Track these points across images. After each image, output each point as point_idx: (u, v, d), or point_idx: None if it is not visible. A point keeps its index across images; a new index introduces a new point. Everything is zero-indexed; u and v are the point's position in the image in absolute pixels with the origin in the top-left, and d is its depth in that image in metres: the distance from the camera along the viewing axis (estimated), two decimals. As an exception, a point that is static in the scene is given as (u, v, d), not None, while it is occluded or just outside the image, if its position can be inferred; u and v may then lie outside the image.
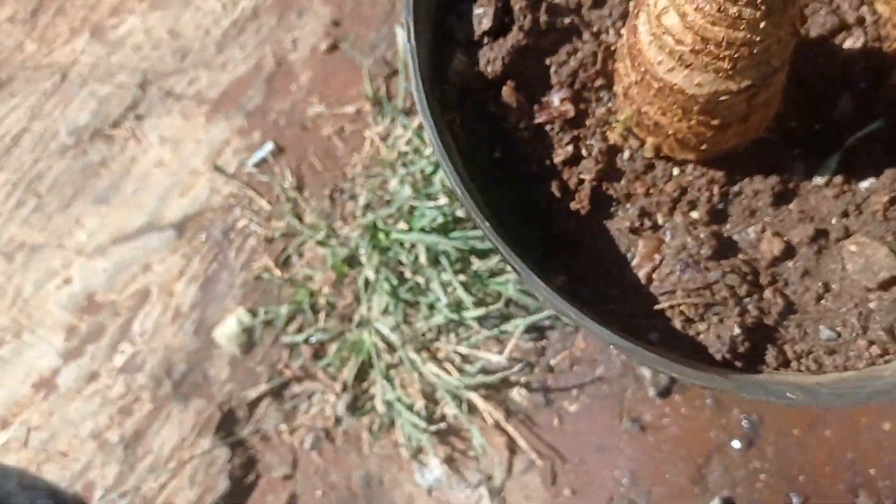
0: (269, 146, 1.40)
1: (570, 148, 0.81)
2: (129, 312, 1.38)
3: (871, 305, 0.74)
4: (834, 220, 0.77)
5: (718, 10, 0.60)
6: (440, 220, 1.25)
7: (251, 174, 1.39)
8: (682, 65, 0.65)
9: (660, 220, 0.80)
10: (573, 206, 0.80)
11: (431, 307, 1.25)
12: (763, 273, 0.77)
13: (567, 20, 0.85)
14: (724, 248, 0.78)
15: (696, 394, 1.17)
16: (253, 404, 1.30)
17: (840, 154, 0.79)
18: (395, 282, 1.25)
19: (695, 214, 0.79)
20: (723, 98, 0.66)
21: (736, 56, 0.62)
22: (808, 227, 0.77)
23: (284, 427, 1.28)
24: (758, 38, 0.61)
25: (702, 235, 0.77)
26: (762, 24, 0.60)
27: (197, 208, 1.40)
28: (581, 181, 0.81)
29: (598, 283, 0.79)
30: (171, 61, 1.49)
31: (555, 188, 0.81)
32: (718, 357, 0.73)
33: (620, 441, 1.19)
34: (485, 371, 1.24)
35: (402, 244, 1.26)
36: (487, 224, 0.72)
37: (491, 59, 0.83)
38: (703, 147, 0.74)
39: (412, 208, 1.28)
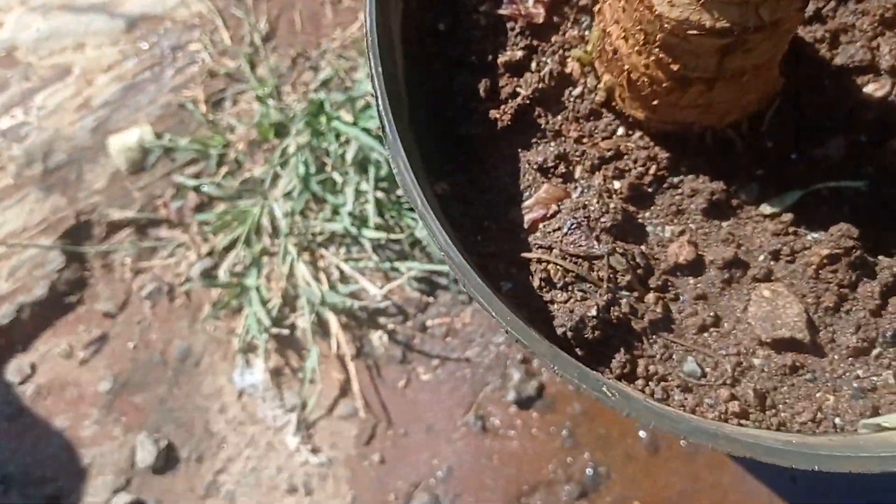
0: (260, -14, 1.28)
1: (520, 54, 0.69)
2: (41, 82, 1.25)
3: (755, 361, 0.62)
4: (761, 258, 0.65)
5: None
6: (388, 131, 1.12)
7: (228, 3, 1.27)
8: (663, -30, 0.53)
9: (577, 174, 0.68)
10: (493, 113, 0.68)
11: (335, 212, 1.12)
12: (657, 275, 0.64)
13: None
14: (628, 229, 0.65)
15: (555, 419, 1.05)
16: (113, 227, 1.17)
17: (803, 194, 0.67)
18: (312, 169, 1.13)
19: (617, 185, 0.67)
20: (692, 33, 0.53)
21: (724, -22, 0.50)
22: (730, 250, 0.64)
23: (130, 263, 1.16)
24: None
25: (611, 206, 0.65)
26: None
27: (159, 12, 1.27)
28: (515, 93, 0.68)
29: (478, 207, 0.67)
30: None
31: (482, 87, 0.68)
32: (560, 332, 0.60)
33: (456, 432, 1.06)
34: (356, 298, 1.11)
35: (338, 136, 1.14)
36: (382, 87, 0.60)
37: (484, -76, 0.71)
38: (655, 102, 0.62)
39: (367, 106, 1.15)
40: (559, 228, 0.65)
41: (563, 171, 0.67)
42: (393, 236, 1.09)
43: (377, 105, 0.58)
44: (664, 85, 0.59)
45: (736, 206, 0.67)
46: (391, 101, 0.59)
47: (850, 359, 0.63)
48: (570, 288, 0.63)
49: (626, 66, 0.61)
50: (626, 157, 0.68)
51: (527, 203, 0.67)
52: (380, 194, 1.11)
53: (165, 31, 1.25)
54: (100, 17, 1.27)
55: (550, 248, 0.64)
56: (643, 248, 0.65)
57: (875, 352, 0.63)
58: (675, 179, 0.67)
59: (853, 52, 0.69)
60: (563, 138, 0.69)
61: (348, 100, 1.15)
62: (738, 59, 0.56)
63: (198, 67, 1.23)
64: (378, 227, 1.10)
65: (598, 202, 0.65)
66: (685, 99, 0.61)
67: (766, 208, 0.66)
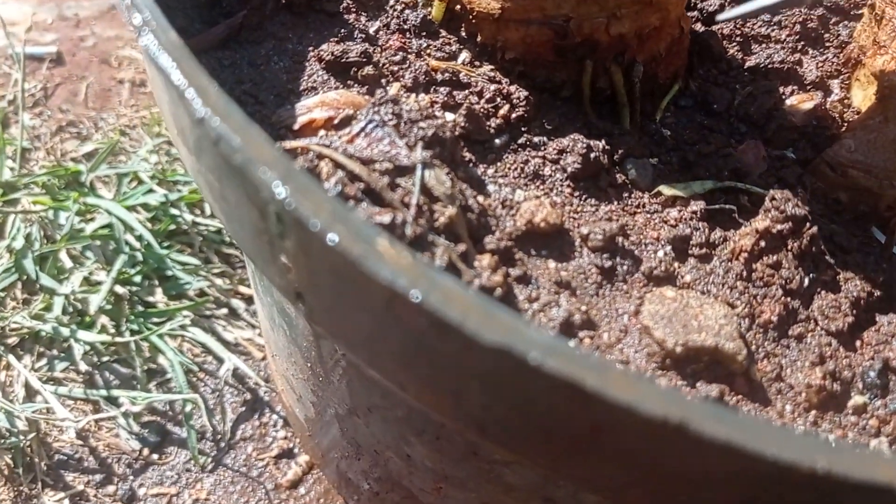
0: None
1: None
2: None
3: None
4: (660, 253, 0.40)
5: None
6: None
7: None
8: None
9: (392, 90, 0.44)
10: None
11: (49, 307, 0.79)
12: (498, 235, 0.38)
13: None
14: (460, 163, 0.40)
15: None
16: None
17: (717, 187, 0.45)
18: (36, 245, 0.81)
19: (450, 117, 0.43)
20: None
21: None
22: (614, 226, 0.40)
23: None
24: None
25: (439, 121, 0.40)
26: None
27: None
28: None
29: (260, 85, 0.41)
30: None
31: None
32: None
33: None
34: (37, 431, 0.73)
35: (85, 212, 0.85)
36: None
37: None
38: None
39: (138, 181, 0.89)
40: (354, 125, 0.39)
41: (371, 74, 0.43)
42: (120, 340, 0.76)
43: None
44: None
45: (621, 184, 0.44)
46: None
47: (814, 411, 0.36)
48: (351, 193, 0.35)
49: None
50: (468, 88, 0.45)
51: (307, 102, 0.41)
52: (121, 290, 0.80)
53: None
54: None
55: (335, 148, 0.37)
56: (480, 199, 0.40)
57: (852, 402, 0.37)
58: (535, 138, 0.44)
59: (772, 54, 0.53)
60: (377, 47, 0.45)
61: (115, 176, 0.88)
62: None
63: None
64: (104, 332, 0.77)
65: (419, 108, 0.40)
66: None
67: (666, 189, 0.43)
